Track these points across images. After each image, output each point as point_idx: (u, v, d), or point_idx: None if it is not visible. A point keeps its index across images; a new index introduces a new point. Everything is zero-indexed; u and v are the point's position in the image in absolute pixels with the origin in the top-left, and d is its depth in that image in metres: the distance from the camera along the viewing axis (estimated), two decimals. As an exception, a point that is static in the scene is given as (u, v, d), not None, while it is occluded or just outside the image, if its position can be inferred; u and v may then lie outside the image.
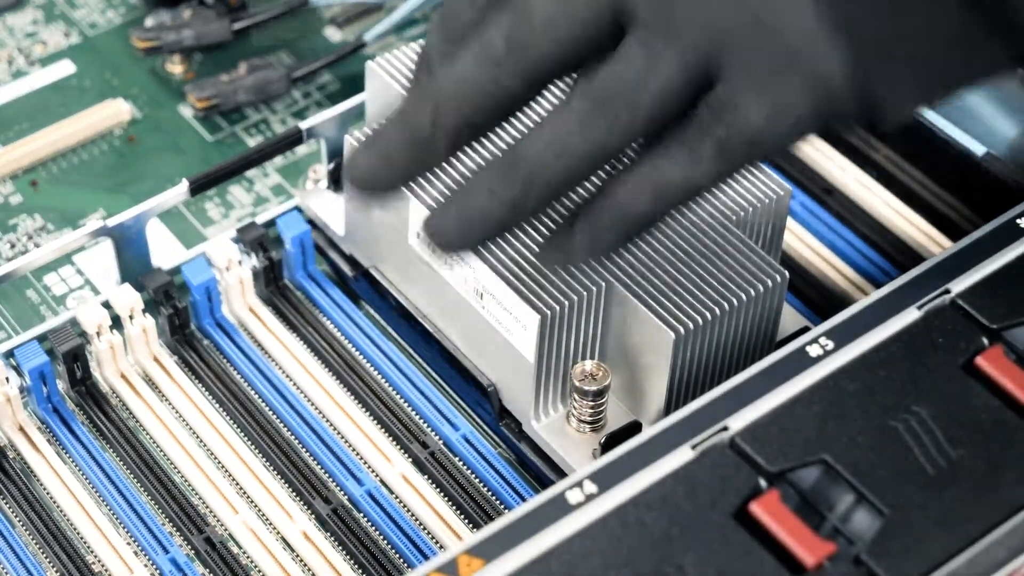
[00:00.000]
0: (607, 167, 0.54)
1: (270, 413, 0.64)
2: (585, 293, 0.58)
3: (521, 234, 0.59)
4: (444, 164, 0.59)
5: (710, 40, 0.52)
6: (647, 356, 0.58)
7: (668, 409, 0.59)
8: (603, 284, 0.58)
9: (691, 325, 0.57)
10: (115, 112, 0.75)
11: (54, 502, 0.62)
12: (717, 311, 0.58)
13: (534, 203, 0.53)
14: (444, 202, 0.55)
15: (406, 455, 0.63)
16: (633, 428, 0.60)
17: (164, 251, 0.70)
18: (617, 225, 0.54)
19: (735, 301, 0.58)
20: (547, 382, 0.60)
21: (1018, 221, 0.58)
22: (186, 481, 0.62)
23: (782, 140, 0.53)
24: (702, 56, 0.52)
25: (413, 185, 0.61)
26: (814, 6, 0.51)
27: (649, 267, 0.59)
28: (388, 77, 0.64)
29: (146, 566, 0.60)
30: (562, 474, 0.60)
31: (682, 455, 0.51)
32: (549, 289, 0.58)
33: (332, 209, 0.68)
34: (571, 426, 0.60)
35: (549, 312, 0.58)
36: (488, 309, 0.60)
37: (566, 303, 0.58)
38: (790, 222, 0.70)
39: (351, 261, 0.67)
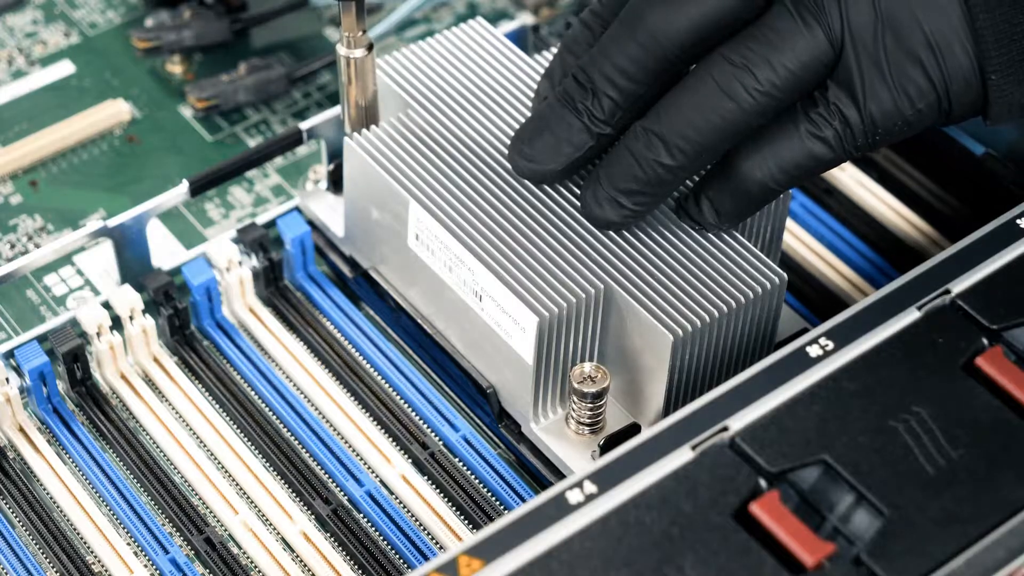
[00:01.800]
0: None
1: (270, 414, 0.64)
2: (584, 295, 0.58)
3: (520, 236, 0.59)
4: (444, 167, 0.60)
5: (858, 21, 0.55)
6: (646, 358, 0.58)
7: (667, 411, 0.59)
8: (602, 287, 0.58)
9: (689, 327, 0.57)
10: (115, 112, 0.75)
11: (54, 502, 0.62)
12: (716, 313, 0.58)
13: (689, 166, 0.56)
14: (588, 178, 0.58)
15: (406, 456, 0.63)
16: (632, 430, 0.60)
17: (164, 251, 0.70)
18: (739, 196, 0.57)
19: (734, 303, 0.58)
20: (546, 384, 0.60)
21: (1018, 221, 0.58)
22: (186, 481, 0.62)
23: (903, 127, 0.56)
24: (844, 34, 0.55)
25: (412, 187, 0.61)
26: (962, 4, 0.54)
27: (648, 269, 0.59)
28: (387, 78, 0.65)
29: (146, 566, 0.60)
30: (561, 476, 0.60)
31: (682, 455, 0.51)
32: (548, 291, 0.58)
33: (331, 211, 0.68)
34: (570, 428, 0.60)
35: (548, 314, 0.58)
36: (487, 311, 0.60)
37: (565, 305, 0.58)
38: (790, 223, 0.70)
39: (351, 262, 0.67)
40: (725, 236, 0.60)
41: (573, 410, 0.60)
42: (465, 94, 0.64)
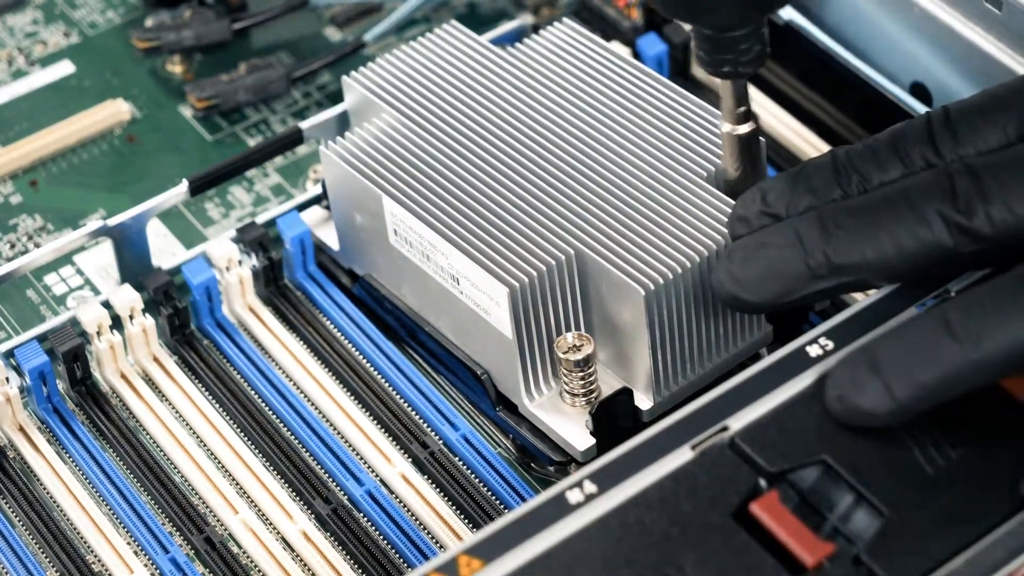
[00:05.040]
0: None
1: (270, 413, 0.64)
2: (554, 262, 0.58)
3: (488, 213, 0.60)
4: (415, 160, 0.60)
5: None
6: (625, 318, 0.58)
7: (657, 371, 0.59)
8: (572, 252, 0.58)
9: (661, 280, 0.57)
10: (115, 112, 0.75)
11: (54, 502, 0.62)
12: (688, 263, 0.57)
13: None
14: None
15: (406, 455, 0.63)
16: (623, 395, 0.59)
17: (164, 251, 0.70)
18: None
19: (705, 252, 0.58)
20: (532, 359, 0.60)
21: (1018, 221, 0.58)
22: (186, 481, 0.62)
23: None
24: None
25: (383, 182, 0.61)
26: None
27: (617, 229, 0.59)
28: (360, 88, 0.65)
29: (146, 566, 0.60)
30: (565, 455, 0.60)
31: (682, 455, 0.51)
32: (516, 262, 0.58)
33: (326, 226, 0.68)
34: (566, 402, 0.60)
35: (518, 284, 0.58)
36: (466, 293, 0.60)
37: (535, 274, 0.58)
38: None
39: (350, 274, 0.67)
40: (695, 188, 0.59)
41: (565, 383, 0.60)
42: (437, 92, 0.65)
